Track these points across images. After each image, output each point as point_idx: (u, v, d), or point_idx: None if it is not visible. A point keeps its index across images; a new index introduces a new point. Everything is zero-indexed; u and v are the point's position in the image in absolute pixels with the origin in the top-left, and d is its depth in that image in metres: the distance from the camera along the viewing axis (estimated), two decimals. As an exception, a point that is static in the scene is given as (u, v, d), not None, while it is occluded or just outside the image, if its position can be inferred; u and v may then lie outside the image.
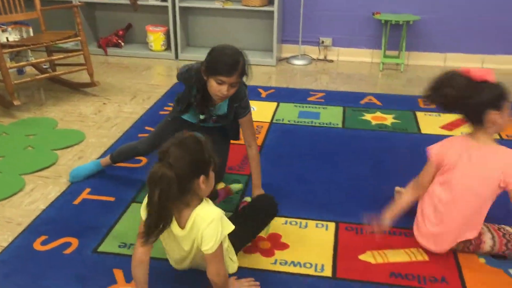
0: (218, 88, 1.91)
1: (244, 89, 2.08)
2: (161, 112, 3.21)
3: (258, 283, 1.73)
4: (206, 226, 1.50)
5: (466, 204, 1.80)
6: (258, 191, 2.10)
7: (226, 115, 2.10)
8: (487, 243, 1.85)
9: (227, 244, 1.70)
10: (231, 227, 1.56)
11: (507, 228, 1.89)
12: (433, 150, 1.91)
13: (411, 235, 2.00)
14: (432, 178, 1.91)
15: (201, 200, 1.56)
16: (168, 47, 4.45)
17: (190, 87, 2.08)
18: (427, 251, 1.91)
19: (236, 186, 2.31)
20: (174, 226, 1.56)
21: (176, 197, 1.46)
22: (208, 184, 1.54)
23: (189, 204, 1.54)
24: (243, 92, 2.07)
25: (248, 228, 1.86)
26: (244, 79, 1.99)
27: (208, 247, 1.50)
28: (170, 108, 3.20)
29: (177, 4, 4.20)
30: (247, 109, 2.09)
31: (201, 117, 2.13)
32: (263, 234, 2.00)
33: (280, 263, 1.85)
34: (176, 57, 4.40)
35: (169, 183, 1.41)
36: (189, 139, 1.51)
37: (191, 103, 2.11)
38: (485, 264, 1.85)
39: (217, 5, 4.22)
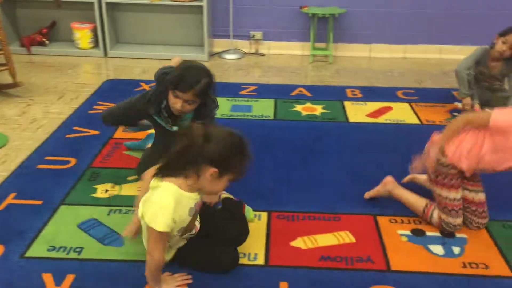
0: (173, 101, 1.99)
1: (213, 109, 2.13)
2: (90, 111, 3.13)
3: (190, 276, 1.74)
4: (153, 202, 1.54)
5: None
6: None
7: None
8: None
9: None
10: (159, 226, 1.52)
11: None
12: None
13: (339, 220, 2.09)
14: None
15: (188, 186, 1.57)
16: (96, 45, 4.33)
17: (161, 93, 2.08)
18: (354, 234, 2.00)
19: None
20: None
21: (186, 161, 1.51)
22: (213, 183, 1.55)
23: (180, 176, 1.55)
24: (211, 111, 2.11)
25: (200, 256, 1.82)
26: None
27: (146, 218, 1.54)
28: (101, 107, 3.17)
29: (103, 0, 4.10)
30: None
31: (174, 128, 2.14)
32: (196, 227, 2.02)
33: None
34: (105, 54, 4.29)
35: (191, 145, 1.48)
36: (239, 138, 1.56)
37: (160, 110, 2.12)
38: (407, 241, 1.97)
39: (146, 0, 4.16)
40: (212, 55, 4.40)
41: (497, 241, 1.97)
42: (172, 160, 1.55)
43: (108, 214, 2.10)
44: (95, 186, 2.30)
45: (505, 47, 2.98)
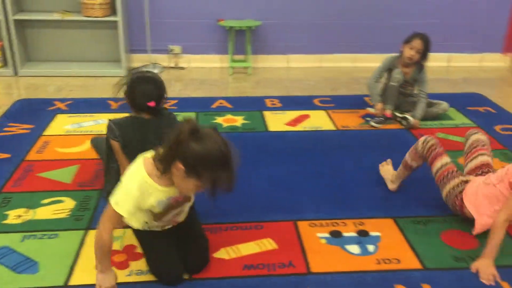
0: None
1: (174, 118, 2.18)
2: (1, 134, 2.97)
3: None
4: (121, 185, 1.61)
5: None
6: None
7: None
8: None
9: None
10: (121, 209, 1.59)
11: None
12: None
13: (261, 228, 2.13)
14: None
15: (158, 178, 1.60)
16: (5, 64, 4.12)
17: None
18: (276, 240, 2.05)
19: None
20: None
21: (166, 150, 1.54)
22: (180, 181, 1.56)
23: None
24: (174, 120, 2.16)
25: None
26: None
27: (112, 200, 1.61)
28: (12, 129, 3.02)
29: (10, 17, 3.92)
30: None
31: None
32: (117, 247, 1.98)
33: (136, 274, 1.84)
34: (16, 73, 4.09)
35: (177, 136, 1.50)
36: (225, 152, 1.51)
37: None
38: (326, 243, 2.04)
39: (56, 17, 4.02)
40: (130, 70, 4.32)
41: (407, 236, 2.09)
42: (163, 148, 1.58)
43: (22, 241, 2.00)
44: (7, 212, 2.18)
45: (413, 51, 3.18)
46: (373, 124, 3.22)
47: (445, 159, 2.21)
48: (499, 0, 4.50)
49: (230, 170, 1.53)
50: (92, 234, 2.06)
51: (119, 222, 1.67)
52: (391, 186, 2.44)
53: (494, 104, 3.64)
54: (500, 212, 1.91)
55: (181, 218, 1.86)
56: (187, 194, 1.72)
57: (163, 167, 1.57)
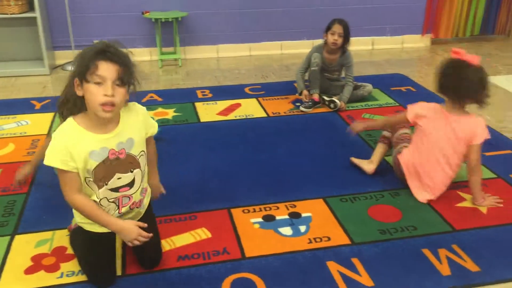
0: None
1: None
2: None
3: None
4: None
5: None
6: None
7: None
8: None
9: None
10: (53, 161, 1.54)
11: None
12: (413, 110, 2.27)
13: (195, 218, 2.14)
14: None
15: (88, 123, 1.56)
16: None
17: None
18: (210, 229, 2.07)
19: None
20: None
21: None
22: (86, 97, 1.50)
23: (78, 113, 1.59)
24: None
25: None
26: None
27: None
28: None
29: None
30: None
31: None
32: (46, 250, 1.92)
33: (67, 275, 1.80)
34: None
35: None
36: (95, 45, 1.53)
37: None
38: (259, 228, 2.09)
39: (-32, 15, 3.80)
40: (54, 68, 4.17)
41: (336, 214, 2.18)
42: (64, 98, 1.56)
43: None
44: None
45: (336, 36, 3.28)
46: (302, 109, 3.30)
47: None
48: (416, -16, 4.73)
49: (112, 54, 1.53)
50: (19, 239, 1.99)
51: (74, 179, 1.58)
52: (369, 166, 2.48)
53: (415, 83, 3.83)
54: (470, 156, 2.18)
55: (136, 197, 1.73)
56: (99, 110, 1.51)
57: (72, 100, 1.56)
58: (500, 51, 4.78)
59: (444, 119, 2.19)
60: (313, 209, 2.22)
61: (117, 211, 1.70)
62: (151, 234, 1.71)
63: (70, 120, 1.58)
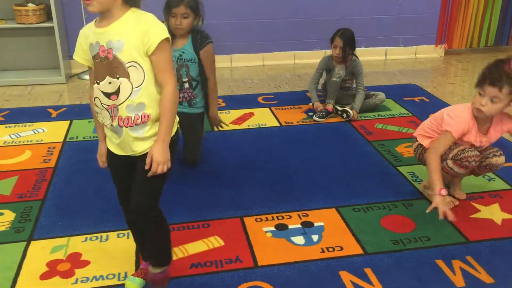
0: (171, 20, 2.46)
1: (199, 24, 2.55)
2: None
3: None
4: None
5: None
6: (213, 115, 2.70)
7: (194, 56, 2.55)
8: None
9: None
10: (74, 55, 1.61)
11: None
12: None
13: (208, 226, 2.16)
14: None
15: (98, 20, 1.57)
16: None
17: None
18: (222, 237, 2.08)
19: None
20: None
21: None
22: None
23: None
24: (199, 26, 2.56)
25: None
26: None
27: None
28: None
29: None
30: (208, 39, 2.57)
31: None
32: (61, 256, 1.95)
33: (82, 281, 1.82)
34: None
35: None
36: None
37: None
38: (272, 237, 2.09)
39: (-12, 24, 3.88)
40: (70, 76, 4.23)
41: (349, 224, 2.17)
42: None
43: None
44: None
45: (337, 50, 3.32)
46: (316, 118, 3.31)
47: None
48: (429, -5, 4.73)
49: None
50: (34, 244, 2.02)
51: (91, 74, 1.62)
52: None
53: (428, 93, 3.82)
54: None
55: (122, 111, 1.55)
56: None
57: None
58: (514, 62, 4.75)
59: None
60: (326, 218, 2.22)
61: (111, 121, 1.58)
62: (105, 165, 1.74)
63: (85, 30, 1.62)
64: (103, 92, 1.55)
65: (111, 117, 1.57)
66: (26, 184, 2.47)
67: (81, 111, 3.45)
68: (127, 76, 1.52)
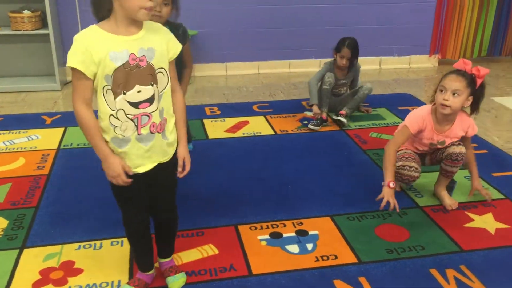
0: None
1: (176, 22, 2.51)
2: None
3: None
4: None
5: None
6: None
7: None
8: None
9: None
10: (72, 62, 1.47)
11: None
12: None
13: (202, 234, 2.15)
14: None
15: (110, 26, 1.50)
16: None
17: None
18: (217, 245, 2.07)
19: None
20: None
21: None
22: (124, 2, 1.45)
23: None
24: (177, 22, 2.51)
25: None
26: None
27: None
28: None
29: None
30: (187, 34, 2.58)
31: None
32: (54, 264, 1.93)
33: (75, 290, 1.81)
34: None
35: None
36: None
37: None
38: (266, 245, 2.09)
39: (-17, 31, 3.88)
40: (65, 83, 4.23)
41: (343, 232, 2.18)
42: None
43: (-49, 265, 1.91)
44: None
45: (344, 60, 3.38)
46: (311, 127, 3.32)
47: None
48: (423, 7, 4.76)
49: None
50: (27, 252, 2.01)
51: (87, 89, 1.49)
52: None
53: (422, 102, 3.84)
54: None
55: (155, 117, 1.56)
56: (139, 12, 1.47)
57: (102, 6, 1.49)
58: (507, 72, 4.79)
59: None
60: (320, 227, 2.22)
61: (136, 131, 1.55)
62: (130, 180, 1.58)
63: (91, 26, 1.52)
64: (130, 102, 1.52)
65: (136, 126, 1.55)
66: (20, 191, 2.46)
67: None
68: (157, 82, 1.56)
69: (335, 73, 3.44)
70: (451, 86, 2.18)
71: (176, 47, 1.61)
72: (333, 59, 3.47)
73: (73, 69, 1.48)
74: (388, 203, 2.12)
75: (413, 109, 2.46)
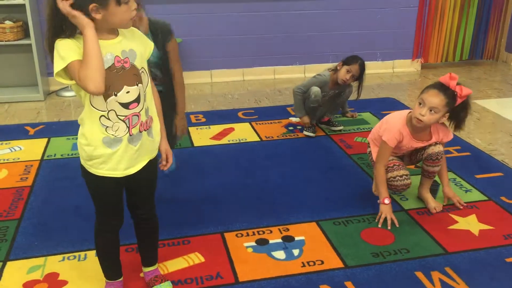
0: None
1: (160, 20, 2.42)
2: None
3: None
4: None
5: None
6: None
7: (158, 55, 2.37)
8: None
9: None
10: (68, 57, 1.42)
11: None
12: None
13: (189, 243, 2.14)
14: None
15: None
16: None
17: None
18: (203, 253, 2.06)
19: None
20: None
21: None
22: (109, 17, 1.44)
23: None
24: (161, 21, 2.42)
25: None
26: None
27: None
28: None
29: None
30: (170, 32, 2.44)
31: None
32: (38, 276, 1.91)
33: (59, 302, 1.79)
34: None
35: None
36: None
37: None
38: (252, 252, 2.08)
39: (-36, 42, 3.84)
40: (48, 94, 4.19)
41: (329, 237, 2.18)
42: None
43: None
44: None
45: (349, 76, 3.18)
46: (307, 133, 3.30)
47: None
48: (406, 12, 4.82)
49: None
50: (10, 265, 1.98)
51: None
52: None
53: (405, 106, 3.88)
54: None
55: (143, 116, 1.59)
56: (128, 23, 1.52)
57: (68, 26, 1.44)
58: (488, 75, 4.86)
59: None
60: (306, 232, 2.22)
61: (128, 132, 1.58)
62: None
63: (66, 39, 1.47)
64: (121, 103, 1.55)
65: (128, 127, 1.58)
66: (2, 204, 2.43)
67: (59, 129, 3.42)
68: (141, 82, 1.59)
69: (327, 88, 3.28)
70: (430, 102, 2.18)
71: (150, 46, 1.67)
72: (331, 69, 3.30)
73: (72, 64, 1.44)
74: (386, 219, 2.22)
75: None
